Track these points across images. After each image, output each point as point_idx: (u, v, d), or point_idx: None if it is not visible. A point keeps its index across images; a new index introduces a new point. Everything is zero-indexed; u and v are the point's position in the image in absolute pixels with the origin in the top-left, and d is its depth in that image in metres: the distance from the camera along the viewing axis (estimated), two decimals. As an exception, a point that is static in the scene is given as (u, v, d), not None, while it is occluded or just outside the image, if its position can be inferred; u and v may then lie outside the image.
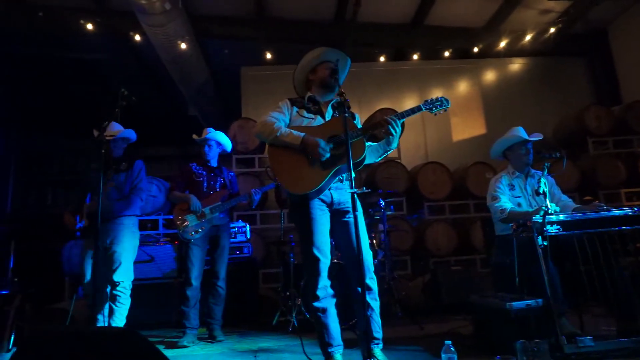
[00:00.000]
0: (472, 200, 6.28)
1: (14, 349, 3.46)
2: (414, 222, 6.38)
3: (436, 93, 7.59)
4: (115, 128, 3.57)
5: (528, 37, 7.14)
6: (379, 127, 2.55)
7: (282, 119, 2.69)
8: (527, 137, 3.31)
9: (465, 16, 6.99)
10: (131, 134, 3.62)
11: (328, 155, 2.46)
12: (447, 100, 2.61)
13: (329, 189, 2.58)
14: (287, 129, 2.60)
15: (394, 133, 2.51)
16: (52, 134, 8.93)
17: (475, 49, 7.33)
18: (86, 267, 3.33)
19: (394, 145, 2.66)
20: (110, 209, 3.34)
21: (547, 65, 7.81)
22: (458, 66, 7.63)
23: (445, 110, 2.61)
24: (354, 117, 2.74)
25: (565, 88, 7.70)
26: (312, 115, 2.74)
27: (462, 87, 7.72)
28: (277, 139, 2.57)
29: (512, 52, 7.51)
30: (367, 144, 2.60)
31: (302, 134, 2.53)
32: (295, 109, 2.77)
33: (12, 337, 3.81)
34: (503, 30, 7.15)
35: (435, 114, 2.64)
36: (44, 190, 9.06)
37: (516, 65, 7.86)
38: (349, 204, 2.55)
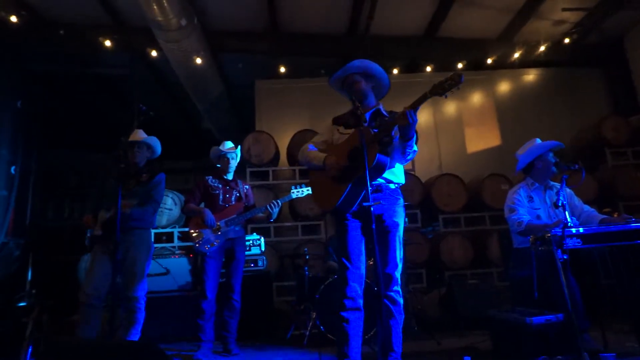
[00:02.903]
0: (487, 212, 6.21)
1: (33, 360, 3.49)
2: (429, 235, 6.33)
3: (450, 104, 7.65)
4: (142, 135, 3.60)
5: (542, 48, 7.09)
6: (390, 126, 2.55)
7: (320, 141, 2.88)
8: (556, 143, 3.26)
9: (478, 28, 6.98)
10: (155, 142, 3.62)
11: (336, 173, 2.58)
12: (459, 76, 2.30)
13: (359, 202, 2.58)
14: (315, 152, 2.77)
15: (410, 121, 2.45)
16: (71, 147, 9.10)
17: (489, 60, 7.30)
18: (93, 276, 3.26)
19: (410, 135, 2.54)
20: (125, 220, 3.30)
21: (562, 76, 7.74)
22: (472, 77, 7.59)
23: (458, 88, 2.34)
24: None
25: (580, 99, 7.60)
26: (348, 130, 2.77)
27: (476, 98, 7.68)
28: (308, 163, 2.80)
29: (526, 63, 7.45)
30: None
31: (323, 156, 2.69)
32: (336, 127, 2.88)
33: (30, 349, 3.84)
34: (517, 41, 7.13)
35: (446, 96, 2.41)
36: (62, 203, 9.22)
37: (530, 76, 7.81)
38: (385, 217, 2.63)
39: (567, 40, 7.02)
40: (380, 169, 2.55)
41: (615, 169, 6.24)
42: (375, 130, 2.58)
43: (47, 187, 8.43)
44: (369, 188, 2.27)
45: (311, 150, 2.81)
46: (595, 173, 6.32)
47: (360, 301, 2.56)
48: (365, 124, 2.47)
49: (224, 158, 4.06)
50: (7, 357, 3.65)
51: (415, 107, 2.50)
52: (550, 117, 7.42)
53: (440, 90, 2.38)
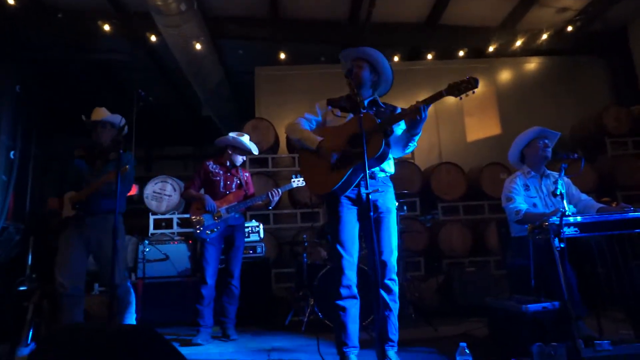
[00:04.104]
0: (486, 201, 6.23)
1: (33, 344, 3.52)
2: (427, 223, 6.35)
3: (451, 93, 7.58)
4: (104, 112, 3.42)
5: (544, 36, 7.03)
6: (399, 118, 2.55)
7: (313, 119, 2.80)
8: (547, 130, 3.26)
9: (480, 15, 6.91)
10: (117, 119, 3.36)
11: (335, 157, 2.53)
12: (475, 80, 2.34)
13: (357, 186, 2.59)
14: (308, 132, 2.69)
15: (419, 118, 2.46)
16: (70, 134, 9.07)
17: (491, 48, 7.24)
18: (67, 264, 3.12)
19: (417, 130, 2.56)
20: (98, 202, 3.18)
21: (564, 65, 7.69)
22: (473, 66, 7.54)
23: (473, 92, 2.36)
24: (393, 111, 2.73)
25: (582, 88, 7.56)
26: (343, 114, 2.75)
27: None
28: (299, 141, 2.70)
29: (528, 51, 7.40)
30: (399, 127, 2.62)
31: (319, 138, 2.61)
32: (330, 107, 2.82)
33: (31, 333, 3.87)
34: (519, 29, 7.06)
35: (461, 98, 2.43)
36: (61, 189, 9.21)
37: (532, 65, 7.75)
38: (380, 203, 2.62)
39: (570, 28, 6.96)
40: (382, 159, 2.56)
41: (614, 159, 6.24)
42: (379, 120, 2.58)
43: (47, 172, 8.42)
44: (367, 175, 2.27)
45: (304, 129, 2.73)
46: (595, 163, 6.31)
47: (355, 289, 2.58)
48: (365, 111, 2.46)
49: (240, 150, 4.06)
50: (8, 340, 3.69)
51: (428, 103, 2.50)
52: (551, 106, 7.39)
53: (456, 91, 2.39)
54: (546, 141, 3.29)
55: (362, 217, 2.64)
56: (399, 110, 2.73)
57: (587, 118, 6.75)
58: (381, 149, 2.48)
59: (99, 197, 3.23)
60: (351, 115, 2.70)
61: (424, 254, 5.94)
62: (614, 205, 3.20)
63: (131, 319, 3.38)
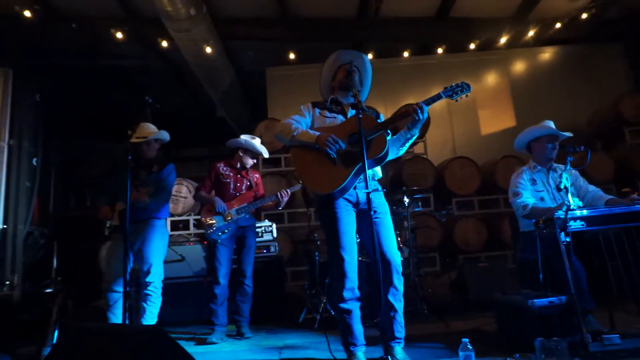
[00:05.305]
0: (501, 195, 6.16)
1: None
2: (442, 218, 6.32)
3: (463, 86, 7.51)
4: (149, 129, 3.64)
5: (559, 25, 6.88)
6: (400, 119, 2.57)
7: (302, 120, 2.76)
8: (559, 132, 3.22)
9: (492, 6, 6.80)
10: (163, 135, 3.66)
11: (337, 147, 2.49)
12: (468, 85, 2.57)
13: (354, 189, 2.61)
14: (304, 129, 2.65)
15: (420, 117, 2.50)
16: (91, 138, 9.33)
17: (503, 40, 7.12)
18: (113, 267, 3.40)
19: (415, 131, 2.63)
20: (138, 211, 3.40)
21: (580, 53, 7.52)
22: (485, 58, 7.46)
23: (467, 96, 2.58)
24: (378, 116, 2.76)
25: (599, 76, 7.39)
26: (335, 115, 2.78)
27: (490, 79, 7.55)
28: (294, 139, 2.63)
29: (542, 41, 7.26)
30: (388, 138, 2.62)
31: (318, 133, 2.58)
32: (317, 110, 2.82)
33: (56, 333, 4.02)
34: (532, 18, 6.93)
35: (457, 100, 2.60)
36: (83, 192, 9.50)
37: (547, 55, 7.61)
38: (375, 204, 2.56)
39: (584, 16, 6.78)
40: (384, 159, 2.57)
41: (633, 148, 6.10)
42: (380, 120, 2.60)
43: (69, 177, 8.69)
44: (366, 175, 2.30)
45: (297, 127, 2.66)
46: (612, 152, 6.18)
47: (357, 290, 2.58)
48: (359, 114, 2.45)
49: (250, 153, 4.15)
50: (35, 341, 3.84)
51: (428, 104, 2.53)
52: (567, 96, 7.26)
53: (450, 91, 2.55)
54: (556, 143, 3.24)
55: (360, 219, 2.64)
56: (381, 118, 2.76)
57: (604, 107, 6.61)
58: (385, 148, 2.50)
59: (135, 209, 3.40)
60: (341, 117, 2.73)
61: (439, 249, 5.92)
62: (635, 195, 3.15)
63: (153, 318, 3.51)
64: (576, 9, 6.78)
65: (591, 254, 2.84)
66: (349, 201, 2.61)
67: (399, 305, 2.57)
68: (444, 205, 6.53)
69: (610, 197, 3.07)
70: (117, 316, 3.39)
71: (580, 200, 3.05)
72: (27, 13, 5.55)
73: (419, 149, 6.64)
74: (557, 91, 7.30)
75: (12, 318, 4.57)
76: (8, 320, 4.46)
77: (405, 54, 7.40)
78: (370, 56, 7.45)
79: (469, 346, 2.19)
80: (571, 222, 2.60)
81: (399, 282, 2.58)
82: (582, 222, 2.62)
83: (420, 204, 6.14)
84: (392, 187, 6.13)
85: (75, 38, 6.50)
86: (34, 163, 6.45)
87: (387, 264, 2.52)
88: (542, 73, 7.51)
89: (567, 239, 2.57)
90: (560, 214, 2.60)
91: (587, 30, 7.05)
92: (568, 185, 2.68)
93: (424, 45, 7.60)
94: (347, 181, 2.49)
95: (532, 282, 3.02)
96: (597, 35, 7.29)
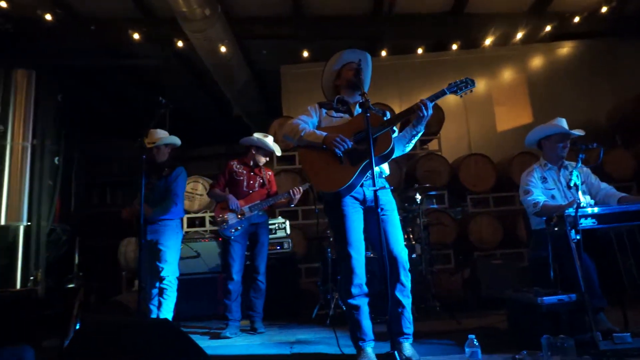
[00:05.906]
0: (517, 192, 6.04)
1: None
2: (457, 215, 6.28)
3: (479, 82, 7.48)
4: (159, 135, 3.78)
5: (577, 19, 6.76)
6: (405, 115, 2.59)
7: (309, 121, 2.79)
8: (570, 131, 3.18)
9: (507, 1, 6.74)
10: (173, 140, 3.81)
11: (345, 147, 2.51)
12: (472, 81, 2.60)
13: (361, 186, 2.64)
14: (311, 129, 2.69)
15: (424, 114, 2.55)
16: (112, 137, 9.56)
17: (520, 35, 7.04)
18: (139, 264, 3.55)
19: (420, 128, 2.66)
20: (151, 214, 3.60)
21: (599, 48, 7.37)
22: (501, 53, 7.37)
23: (472, 91, 2.61)
24: (384, 114, 2.77)
25: (619, 71, 7.23)
26: (341, 115, 2.81)
27: (507, 75, 7.46)
28: (301, 139, 2.66)
29: (560, 36, 7.15)
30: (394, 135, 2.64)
31: (325, 133, 2.61)
32: (324, 110, 2.85)
33: (78, 327, 4.15)
34: (549, 13, 6.82)
35: (461, 96, 2.64)
36: (104, 190, 9.74)
37: (564, 50, 7.48)
38: (382, 201, 2.57)
39: (604, 10, 6.65)
40: (390, 156, 2.59)
41: (655, 144, 5.97)
42: (386, 118, 2.62)
43: (90, 175, 8.91)
44: (374, 172, 2.32)
45: (305, 127, 2.69)
46: (633, 148, 6.05)
47: (365, 286, 2.61)
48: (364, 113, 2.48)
49: (263, 151, 4.21)
50: (57, 335, 3.97)
51: (433, 100, 2.55)
52: (586, 91, 7.14)
53: (454, 87, 2.58)
54: (566, 142, 3.20)
55: (368, 216, 2.66)
56: (387, 116, 2.76)
57: (624, 102, 6.47)
58: (391, 145, 2.53)
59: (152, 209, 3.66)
60: (347, 116, 2.75)
61: (453, 246, 5.90)
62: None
63: (169, 312, 3.63)
64: (596, 2, 6.65)
65: (604, 252, 2.81)
66: (356, 199, 2.64)
67: (407, 301, 2.59)
68: (458, 203, 6.50)
69: (623, 194, 3.03)
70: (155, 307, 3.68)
71: (592, 198, 3.01)
72: (48, 16, 5.73)
73: (433, 145, 6.60)
74: (575, 86, 7.17)
75: (36, 312, 4.73)
76: (33, 314, 4.62)
77: (420, 51, 7.37)
78: (384, 53, 7.44)
79: (475, 342, 2.20)
80: (582, 220, 2.58)
81: (406, 278, 2.60)
82: (594, 220, 2.59)
83: (434, 200, 6.13)
84: (406, 184, 6.13)
85: (94, 39, 6.69)
86: (56, 162, 6.63)
87: (394, 260, 2.54)
88: (560, 68, 7.39)
89: (578, 237, 2.55)
90: (571, 211, 2.58)
91: (608, 25, 6.92)
92: (579, 182, 2.66)
93: (439, 41, 7.55)
94: (353, 179, 2.52)
95: (544, 280, 3.00)
96: (617, 29, 7.14)
